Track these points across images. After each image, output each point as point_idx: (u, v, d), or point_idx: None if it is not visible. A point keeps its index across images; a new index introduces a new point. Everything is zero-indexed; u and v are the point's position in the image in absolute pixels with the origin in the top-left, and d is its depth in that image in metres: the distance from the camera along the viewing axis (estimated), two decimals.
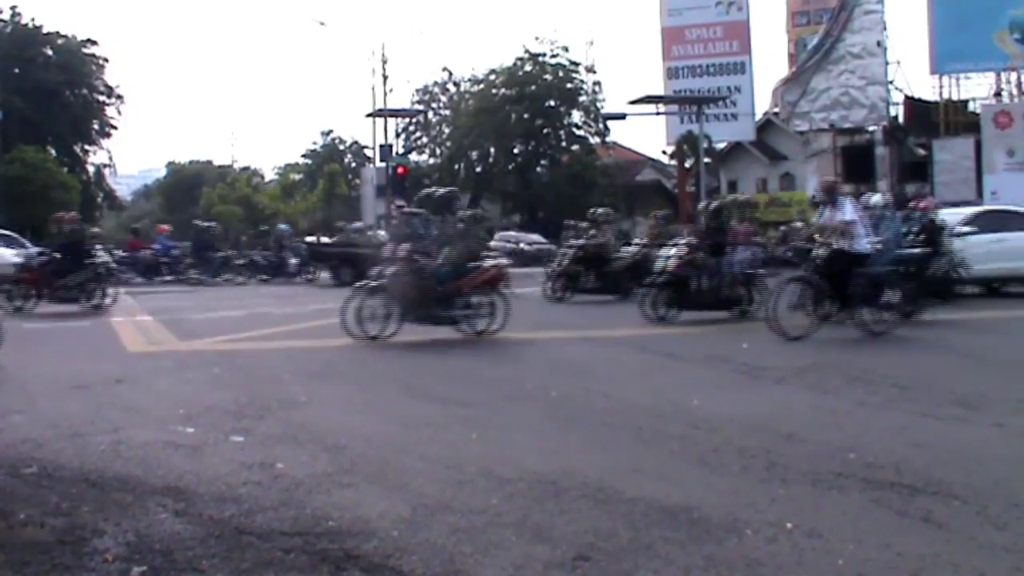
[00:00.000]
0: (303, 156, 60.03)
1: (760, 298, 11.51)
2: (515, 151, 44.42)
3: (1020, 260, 14.30)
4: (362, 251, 18.39)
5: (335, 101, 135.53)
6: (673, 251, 11.68)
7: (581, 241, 15.54)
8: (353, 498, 3.85)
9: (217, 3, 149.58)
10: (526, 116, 42.67)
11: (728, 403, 6.06)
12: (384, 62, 37.80)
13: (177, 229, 31.64)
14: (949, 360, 8.25)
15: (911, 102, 34.03)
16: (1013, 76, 32.70)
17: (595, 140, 43.96)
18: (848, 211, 9.55)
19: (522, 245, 31.90)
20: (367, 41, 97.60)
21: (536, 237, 34.40)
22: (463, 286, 9.77)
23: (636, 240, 17.48)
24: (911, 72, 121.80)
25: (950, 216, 14.20)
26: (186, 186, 62.24)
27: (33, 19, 44.37)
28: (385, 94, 37.14)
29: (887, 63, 33.38)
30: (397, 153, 38.12)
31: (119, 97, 47.12)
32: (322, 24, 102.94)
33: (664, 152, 42.21)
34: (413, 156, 48.42)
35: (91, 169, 47.65)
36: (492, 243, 25.45)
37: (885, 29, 33.15)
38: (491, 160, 45.11)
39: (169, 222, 36.22)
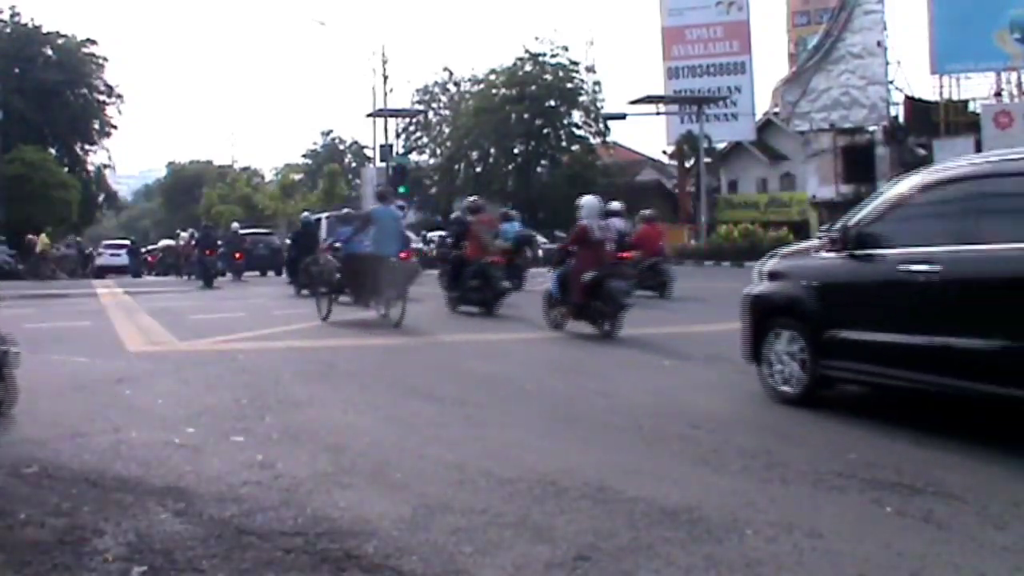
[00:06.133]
0: (303, 156, 60.26)
1: None
2: (515, 151, 44.40)
3: None
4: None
5: (335, 101, 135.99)
6: None
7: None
8: (353, 498, 3.85)
9: (217, 3, 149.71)
10: (526, 116, 42.66)
11: (728, 403, 6.06)
12: (384, 62, 37.97)
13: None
14: None
15: (911, 102, 34.07)
16: (1013, 76, 32.74)
17: (595, 140, 43.97)
18: None
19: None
20: (367, 41, 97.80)
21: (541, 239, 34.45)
22: None
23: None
24: (911, 72, 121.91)
25: None
26: (186, 186, 62.46)
27: (33, 19, 44.61)
28: (385, 94, 37.28)
29: (887, 63, 33.43)
30: (397, 153, 38.18)
31: (119, 97, 47.38)
32: (322, 24, 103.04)
33: (664, 152, 42.34)
34: (413, 156, 48.47)
35: (91, 169, 47.75)
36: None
37: (885, 29, 33.23)
38: (491, 160, 45.10)
39: (168, 222, 36.33)
